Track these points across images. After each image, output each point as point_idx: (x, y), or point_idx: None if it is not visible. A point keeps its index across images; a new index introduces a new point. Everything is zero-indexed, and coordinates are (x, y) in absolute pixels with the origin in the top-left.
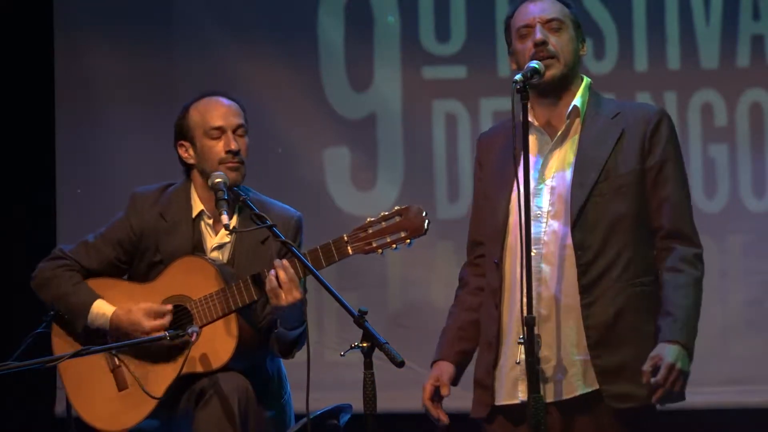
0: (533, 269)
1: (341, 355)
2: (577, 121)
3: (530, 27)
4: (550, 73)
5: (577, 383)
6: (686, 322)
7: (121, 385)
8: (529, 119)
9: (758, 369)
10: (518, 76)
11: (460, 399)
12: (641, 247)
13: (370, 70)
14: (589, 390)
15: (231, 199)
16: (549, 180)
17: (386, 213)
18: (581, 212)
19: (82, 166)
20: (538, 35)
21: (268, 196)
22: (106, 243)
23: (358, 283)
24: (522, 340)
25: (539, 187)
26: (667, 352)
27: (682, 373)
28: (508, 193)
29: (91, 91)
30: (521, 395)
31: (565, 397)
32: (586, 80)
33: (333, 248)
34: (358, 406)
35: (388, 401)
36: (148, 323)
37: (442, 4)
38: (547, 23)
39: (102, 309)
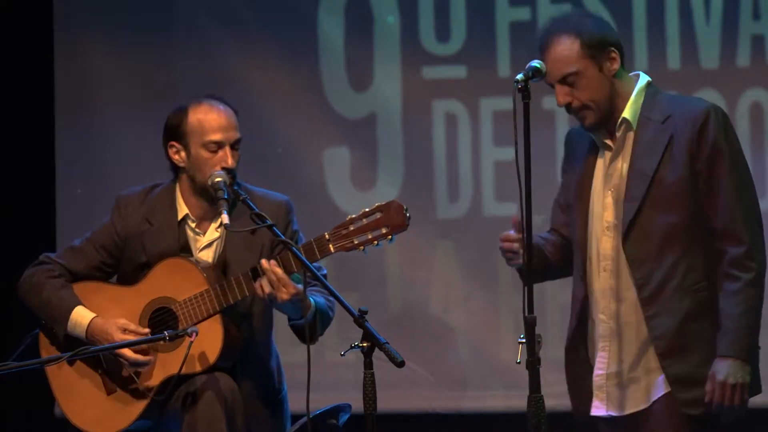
0: (607, 284)
1: (341, 355)
2: (630, 131)
3: (553, 86)
4: (588, 123)
5: (642, 397)
6: (738, 332)
7: (110, 389)
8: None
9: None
10: (519, 76)
11: (463, 399)
12: (698, 252)
13: (370, 70)
14: (649, 404)
15: (231, 198)
16: (613, 193)
17: (367, 210)
18: (632, 226)
19: (82, 166)
20: (560, 100)
21: None
22: (91, 247)
23: (358, 283)
24: (522, 340)
25: (606, 201)
26: (718, 369)
27: (735, 387)
28: (585, 206)
29: (91, 91)
30: (596, 409)
31: (628, 411)
32: (641, 82)
33: (315, 246)
34: (358, 406)
35: (388, 401)
36: (119, 336)
37: (442, 4)
38: (562, 81)
39: (80, 317)
